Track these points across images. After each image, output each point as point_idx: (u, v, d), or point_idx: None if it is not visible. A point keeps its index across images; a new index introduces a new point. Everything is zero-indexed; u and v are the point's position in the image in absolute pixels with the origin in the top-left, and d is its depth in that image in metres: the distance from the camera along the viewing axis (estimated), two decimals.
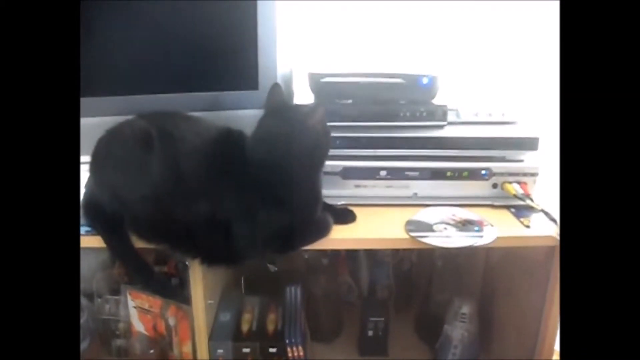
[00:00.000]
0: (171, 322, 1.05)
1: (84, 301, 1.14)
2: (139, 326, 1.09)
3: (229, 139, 0.82)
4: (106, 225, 0.82)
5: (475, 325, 1.13)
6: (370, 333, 1.20)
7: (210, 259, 0.81)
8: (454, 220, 0.90)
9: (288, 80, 1.04)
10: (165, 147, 0.79)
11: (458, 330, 1.12)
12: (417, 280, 1.29)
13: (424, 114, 0.95)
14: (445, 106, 0.96)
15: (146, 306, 1.06)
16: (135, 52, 0.96)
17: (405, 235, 0.85)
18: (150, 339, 1.09)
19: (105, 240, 0.82)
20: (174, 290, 0.87)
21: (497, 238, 0.84)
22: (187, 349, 1.05)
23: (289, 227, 0.80)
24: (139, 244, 0.82)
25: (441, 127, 0.96)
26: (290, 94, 1.03)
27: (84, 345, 1.14)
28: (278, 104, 0.83)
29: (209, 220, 0.78)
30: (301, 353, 0.96)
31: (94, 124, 0.83)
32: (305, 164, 0.79)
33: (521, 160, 0.96)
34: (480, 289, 1.19)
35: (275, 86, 0.84)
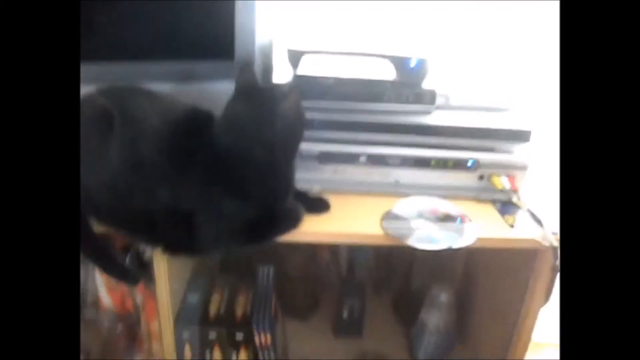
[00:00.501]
0: (138, 299, 1.01)
1: None
2: (106, 300, 1.06)
3: (195, 121, 0.76)
4: None
5: (453, 313, 1.11)
6: (345, 315, 1.18)
7: (172, 248, 0.77)
8: (434, 214, 0.85)
9: (267, 52, 0.96)
10: (126, 129, 0.73)
11: (434, 318, 1.10)
12: (397, 263, 1.25)
13: (411, 97, 0.88)
14: (433, 90, 0.89)
15: (113, 282, 1.03)
16: (99, 15, 0.88)
17: (381, 232, 0.80)
18: (118, 314, 1.06)
19: None
20: (135, 277, 0.82)
21: (477, 239, 0.80)
22: (154, 327, 1.02)
23: (255, 220, 0.75)
24: (99, 227, 0.78)
25: (428, 112, 0.90)
26: (269, 67, 0.96)
27: None
28: (248, 85, 0.76)
29: (170, 209, 0.73)
30: (269, 340, 0.94)
31: None
32: (275, 153, 0.73)
33: (511, 152, 0.90)
34: (461, 278, 1.16)
35: (246, 66, 0.77)
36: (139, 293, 1.00)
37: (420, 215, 0.84)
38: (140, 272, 0.86)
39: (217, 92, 0.94)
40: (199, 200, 0.73)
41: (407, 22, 0.98)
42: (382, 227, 0.80)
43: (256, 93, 0.75)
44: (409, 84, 0.88)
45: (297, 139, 0.76)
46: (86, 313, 1.12)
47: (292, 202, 0.80)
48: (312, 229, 0.80)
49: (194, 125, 0.75)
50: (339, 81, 0.88)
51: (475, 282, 1.15)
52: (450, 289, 1.10)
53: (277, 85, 0.81)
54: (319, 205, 0.84)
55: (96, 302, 1.09)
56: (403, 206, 0.86)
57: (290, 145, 0.75)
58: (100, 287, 1.06)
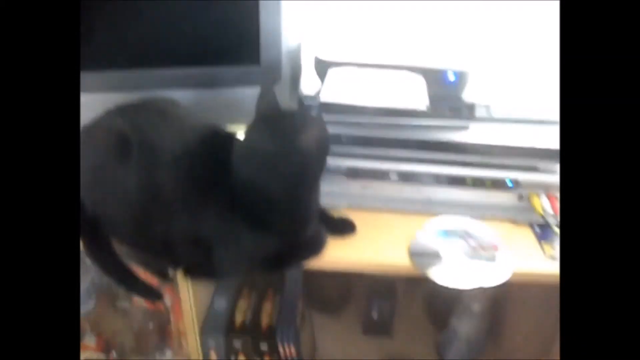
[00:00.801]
0: (167, 301, 1.03)
1: (89, 262, 1.13)
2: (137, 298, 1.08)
3: (214, 146, 0.73)
4: (84, 225, 0.76)
5: (485, 322, 1.08)
6: (375, 316, 1.17)
7: (192, 274, 0.76)
8: (465, 241, 0.80)
9: (295, 55, 0.91)
10: (143, 155, 0.70)
11: (465, 326, 1.08)
12: None
13: (447, 112, 0.82)
14: (473, 104, 0.82)
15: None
16: (121, 23, 0.84)
17: (408, 262, 0.77)
18: (149, 311, 1.09)
19: (83, 241, 0.76)
20: (158, 293, 0.82)
21: (512, 274, 0.75)
22: (184, 326, 1.04)
23: (276, 250, 0.72)
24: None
25: (466, 127, 0.83)
26: (298, 71, 0.90)
27: (90, 304, 1.15)
28: (270, 110, 0.72)
29: (189, 237, 0.71)
30: (293, 352, 0.93)
31: None
32: (296, 186, 0.69)
33: (555, 172, 0.83)
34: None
35: (267, 89, 0.72)
36: (167, 294, 1.02)
37: (451, 243, 0.80)
38: (166, 282, 0.86)
39: (242, 98, 0.90)
40: (218, 230, 0.71)
41: (443, 28, 0.89)
42: (410, 258, 0.77)
43: (277, 120, 0.70)
44: (445, 98, 0.81)
45: (320, 169, 0.72)
46: (119, 303, 1.15)
47: (315, 227, 0.76)
48: (335, 257, 0.77)
49: (213, 151, 0.72)
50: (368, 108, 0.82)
51: (511, 291, 1.10)
52: (484, 298, 1.06)
53: (300, 112, 0.76)
54: (343, 227, 0.81)
55: (128, 296, 1.11)
56: (432, 231, 0.82)
57: (312, 177, 0.71)
58: None
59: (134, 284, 0.80)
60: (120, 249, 0.77)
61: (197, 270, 0.76)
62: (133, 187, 0.70)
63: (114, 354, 1.07)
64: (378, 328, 1.18)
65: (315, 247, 0.76)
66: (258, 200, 0.69)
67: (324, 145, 0.71)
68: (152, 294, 0.81)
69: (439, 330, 1.15)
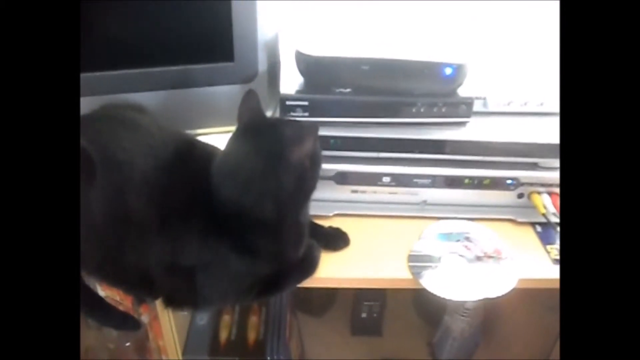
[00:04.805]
0: (144, 319, 0.95)
1: None
2: None
3: (190, 161, 0.65)
4: None
5: (479, 318, 1.04)
6: (364, 315, 1.12)
7: (174, 304, 0.68)
8: (467, 249, 0.75)
9: (272, 48, 0.82)
10: (109, 177, 0.62)
11: (458, 324, 1.04)
12: None
13: (443, 109, 0.75)
14: (470, 99, 0.75)
15: (117, 298, 0.96)
16: (86, 23, 0.73)
17: (408, 274, 0.71)
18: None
19: None
20: (136, 323, 0.75)
21: (519, 280, 0.71)
22: (163, 343, 0.97)
23: (267, 275, 0.66)
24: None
25: (463, 125, 0.77)
26: (276, 65, 0.82)
27: None
28: (254, 119, 0.63)
29: (168, 266, 0.63)
30: None
31: None
32: (286, 207, 0.62)
33: (556, 169, 0.78)
34: None
35: (250, 94, 0.64)
36: (144, 313, 0.94)
37: (452, 250, 0.74)
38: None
39: (216, 97, 0.82)
40: (201, 257, 0.63)
41: (437, 20, 0.82)
42: (410, 271, 0.71)
43: (264, 130, 0.62)
44: (441, 95, 0.74)
45: (313, 185, 0.64)
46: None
47: (306, 245, 0.69)
48: (331, 274, 0.71)
49: (190, 167, 0.64)
50: (358, 92, 0.74)
51: None
52: None
53: (290, 122, 0.67)
54: (337, 241, 0.75)
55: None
56: (431, 238, 0.76)
57: (305, 194, 0.64)
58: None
59: (106, 316, 0.72)
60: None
61: (179, 300, 0.68)
62: (99, 212, 0.62)
63: None
64: (367, 328, 1.13)
65: (308, 267, 0.70)
66: (244, 222, 0.61)
67: (317, 158, 0.64)
68: (129, 325, 0.74)
69: (429, 327, 1.11)
